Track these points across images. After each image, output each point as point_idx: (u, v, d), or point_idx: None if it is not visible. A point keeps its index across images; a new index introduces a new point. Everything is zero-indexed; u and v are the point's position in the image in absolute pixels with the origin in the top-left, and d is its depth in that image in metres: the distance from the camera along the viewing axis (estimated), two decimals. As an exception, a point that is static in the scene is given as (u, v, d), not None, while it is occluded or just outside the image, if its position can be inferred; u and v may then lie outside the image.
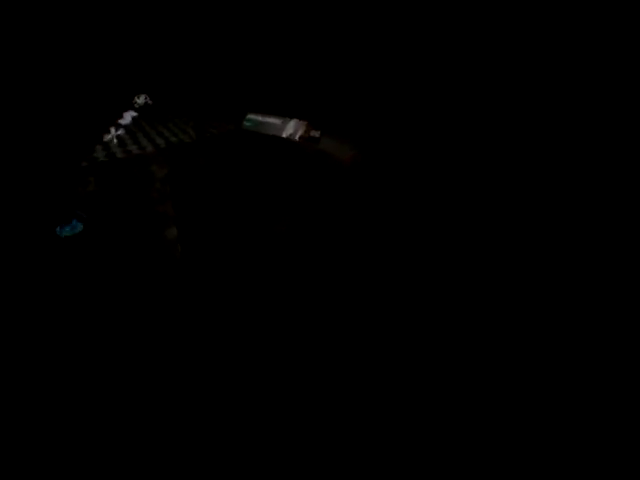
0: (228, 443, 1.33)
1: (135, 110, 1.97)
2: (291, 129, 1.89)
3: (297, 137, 1.87)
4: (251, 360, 1.46)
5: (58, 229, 1.70)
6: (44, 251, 1.69)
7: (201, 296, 1.59)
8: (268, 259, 1.64)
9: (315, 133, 1.88)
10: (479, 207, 1.68)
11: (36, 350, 1.50)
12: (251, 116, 1.93)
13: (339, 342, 1.48)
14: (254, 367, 1.45)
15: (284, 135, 1.88)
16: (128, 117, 1.97)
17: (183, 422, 1.37)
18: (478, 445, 1.29)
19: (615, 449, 1.27)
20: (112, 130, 1.95)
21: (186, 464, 1.31)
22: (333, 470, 1.28)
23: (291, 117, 1.92)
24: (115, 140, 1.93)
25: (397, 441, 1.31)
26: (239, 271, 1.64)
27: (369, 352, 1.47)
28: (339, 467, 1.28)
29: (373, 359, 1.46)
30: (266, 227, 1.69)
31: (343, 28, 2.06)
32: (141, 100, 1.99)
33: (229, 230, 1.73)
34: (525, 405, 1.35)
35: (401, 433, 1.32)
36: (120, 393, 1.42)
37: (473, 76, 1.92)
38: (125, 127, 1.96)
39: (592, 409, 1.33)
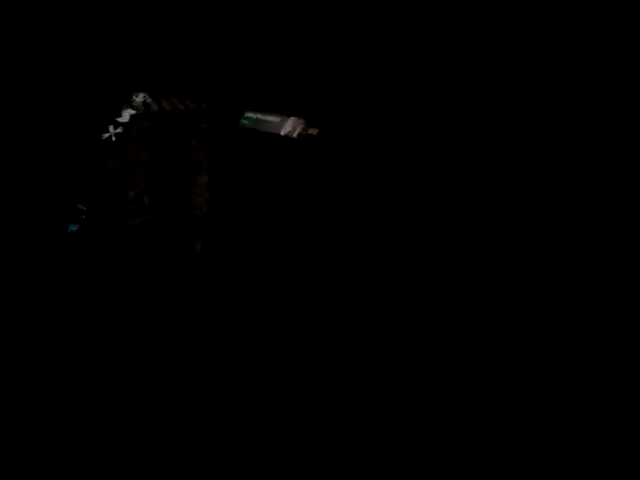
0: (233, 441, 1.33)
1: (134, 108, 1.97)
2: (289, 127, 1.89)
3: (295, 135, 1.87)
4: (250, 357, 1.46)
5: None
6: (49, 247, 1.69)
7: (201, 292, 1.59)
8: (268, 252, 1.64)
9: (313, 131, 1.88)
10: (480, 204, 1.69)
11: (39, 346, 1.50)
12: (249, 114, 1.93)
13: (340, 339, 1.48)
14: (254, 364, 1.45)
15: (282, 133, 1.88)
16: (126, 115, 1.97)
17: (187, 419, 1.37)
18: (478, 445, 1.29)
19: (615, 449, 1.27)
20: (110, 128, 1.95)
21: (187, 464, 1.31)
22: (333, 470, 1.28)
23: (289, 115, 1.92)
24: (113, 138, 1.93)
25: (397, 441, 1.31)
26: (239, 265, 1.64)
27: (370, 349, 1.47)
28: (339, 467, 1.28)
29: (374, 357, 1.46)
30: (266, 221, 1.69)
31: (342, 25, 2.06)
32: (139, 98, 1.99)
33: (229, 224, 1.73)
34: (525, 405, 1.35)
35: (401, 433, 1.32)
36: (126, 390, 1.42)
37: (473, 75, 1.93)
38: (123, 125, 1.96)
39: (592, 409, 1.33)
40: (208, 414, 1.38)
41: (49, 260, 1.66)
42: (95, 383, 1.43)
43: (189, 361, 1.47)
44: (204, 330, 1.53)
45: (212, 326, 1.53)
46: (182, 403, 1.40)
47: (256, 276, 1.62)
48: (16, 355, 1.48)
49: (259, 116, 1.91)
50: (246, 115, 1.91)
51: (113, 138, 1.90)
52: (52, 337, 1.51)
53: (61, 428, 1.36)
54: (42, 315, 1.55)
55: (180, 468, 1.30)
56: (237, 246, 1.69)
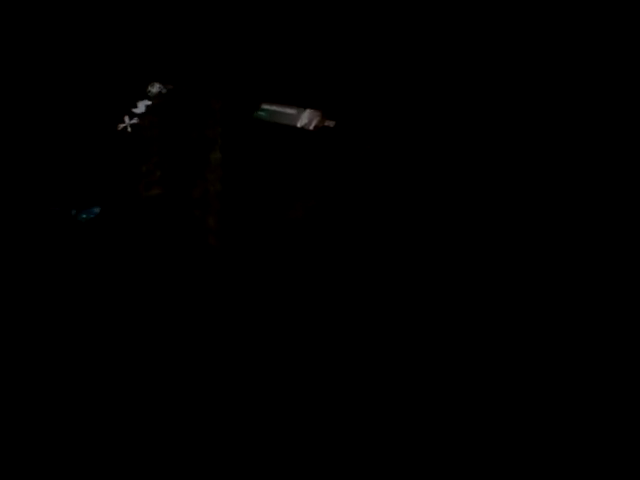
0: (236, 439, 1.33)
1: (149, 99, 1.97)
2: (305, 119, 1.88)
3: (312, 127, 1.87)
4: (258, 355, 1.46)
5: (74, 212, 1.71)
6: (60, 236, 1.70)
7: (214, 286, 1.59)
8: (283, 246, 1.64)
9: (329, 123, 1.87)
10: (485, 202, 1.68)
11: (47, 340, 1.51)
12: (266, 106, 1.92)
13: (352, 337, 1.48)
14: (260, 362, 1.44)
15: (299, 125, 1.87)
16: (142, 106, 1.97)
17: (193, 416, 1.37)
18: (478, 445, 1.29)
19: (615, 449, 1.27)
20: (126, 119, 1.96)
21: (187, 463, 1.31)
22: (333, 470, 1.28)
23: (305, 107, 1.91)
24: (129, 129, 1.93)
25: (397, 441, 1.30)
26: (253, 258, 1.64)
27: (385, 341, 1.46)
28: (339, 467, 1.28)
29: (390, 349, 1.45)
30: (281, 213, 1.69)
31: (358, 18, 2.05)
32: (155, 89, 1.99)
33: (243, 217, 1.72)
34: (525, 405, 1.34)
35: (402, 433, 1.31)
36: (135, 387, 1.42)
37: (489, 73, 1.91)
38: (139, 116, 1.96)
39: (592, 409, 1.32)
40: (214, 395, 1.38)
41: (67, 243, 1.67)
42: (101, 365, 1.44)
43: (199, 343, 1.47)
44: (217, 309, 1.52)
45: (224, 307, 1.53)
46: (188, 386, 1.40)
47: (269, 258, 1.62)
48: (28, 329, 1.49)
49: (275, 108, 1.90)
50: (263, 107, 1.90)
51: (129, 129, 1.90)
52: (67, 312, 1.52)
53: (64, 419, 1.37)
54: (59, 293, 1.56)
55: (180, 467, 1.30)
56: (250, 230, 1.68)
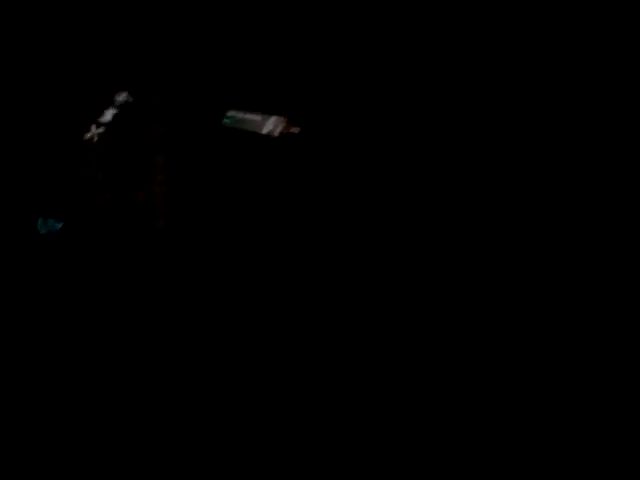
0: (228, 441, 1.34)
1: (116, 108, 1.98)
2: (271, 125, 1.90)
3: (277, 133, 1.89)
4: (238, 355, 1.46)
5: (40, 224, 1.70)
6: (24, 248, 1.69)
7: (187, 283, 1.59)
8: (259, 241, 1.63)
9: (295, 130, 1.90)
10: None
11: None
12: (231, 113, 1.94)
13: (335, 334, 1.48)
14: (242, 362, 1.45)
15: (264, 132, 1.89)
16: (109, 115, 1.97)
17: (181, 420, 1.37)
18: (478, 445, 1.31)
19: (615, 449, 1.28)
20: (93, 128, 1.95)
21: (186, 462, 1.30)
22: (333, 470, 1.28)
23: (271, 114, 1.93)
24: (96, 138, 1.93)
25: (397, 441, 1.31)
26: (228, 254, 1.63)
27: (368, 344, 1.46)
28: (339, 467, 1.29)
29: (373, 352, 1.45)
30: (257, 209, 1.69)
31: (322, 24, 2.07)
32: (122, 98, 2.00)
33: (218, 214, 1.72)
34: (525, 405, 1.36)
35: (401, 433, 1.33)
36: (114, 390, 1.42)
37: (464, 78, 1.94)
38: (106, 125, 1.96)
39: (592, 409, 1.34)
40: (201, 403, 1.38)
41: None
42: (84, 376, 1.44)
43: (155, 345, 1.47)
44: (169, 311, 1.52)
45: (177, 308, 1.53)
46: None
47: (217, 260, 1.62)
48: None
49: (241, 115, 1.92)
50: (228, 114, 1.91)
51: (95, 138, 1.90)
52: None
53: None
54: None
55: (179, 464, 1.30)
56: (198, 228, 1.67)
